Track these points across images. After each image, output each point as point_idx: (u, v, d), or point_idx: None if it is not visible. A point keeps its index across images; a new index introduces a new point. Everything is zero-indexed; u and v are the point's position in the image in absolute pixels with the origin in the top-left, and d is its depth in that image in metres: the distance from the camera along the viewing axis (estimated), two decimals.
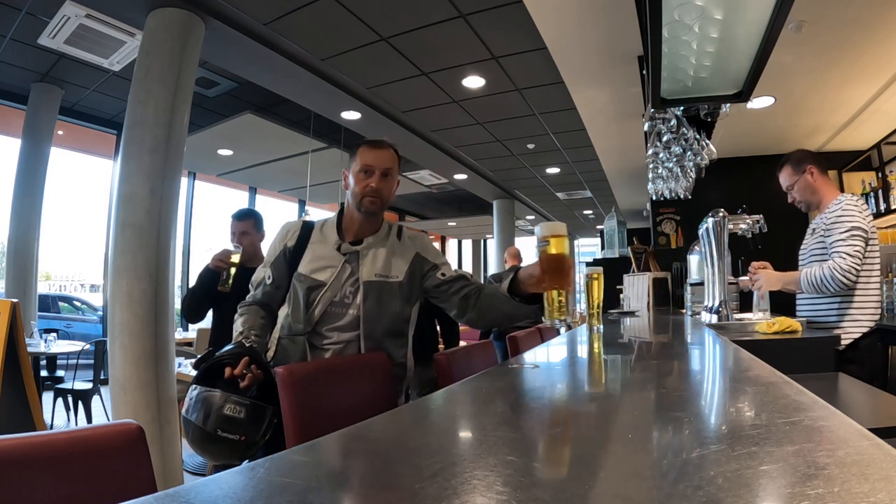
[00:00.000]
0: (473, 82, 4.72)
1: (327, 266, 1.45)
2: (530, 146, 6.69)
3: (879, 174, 4.41)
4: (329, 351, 1.44)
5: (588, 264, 5.20)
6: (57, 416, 4.48)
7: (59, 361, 5.09)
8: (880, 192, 4.35)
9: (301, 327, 1.44)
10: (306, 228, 1.52)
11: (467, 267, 17.46)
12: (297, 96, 4.99)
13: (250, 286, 1.59)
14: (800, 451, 0.51)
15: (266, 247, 1.69)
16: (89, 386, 4.36)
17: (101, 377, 4.46)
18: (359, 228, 1.51)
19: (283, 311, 1.52)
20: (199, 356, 1.42)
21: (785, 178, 2.25)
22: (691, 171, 3.23)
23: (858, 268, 1.91)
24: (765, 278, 2.19)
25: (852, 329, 1.98)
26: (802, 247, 2.27)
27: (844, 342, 1.94)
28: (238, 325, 1.49)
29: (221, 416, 1.21)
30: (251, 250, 2.52)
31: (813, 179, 2.15)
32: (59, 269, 9.70)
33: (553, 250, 1.23)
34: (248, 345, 1.37)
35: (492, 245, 12.09)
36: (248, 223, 2.60)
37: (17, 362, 2.48)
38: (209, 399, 1.23)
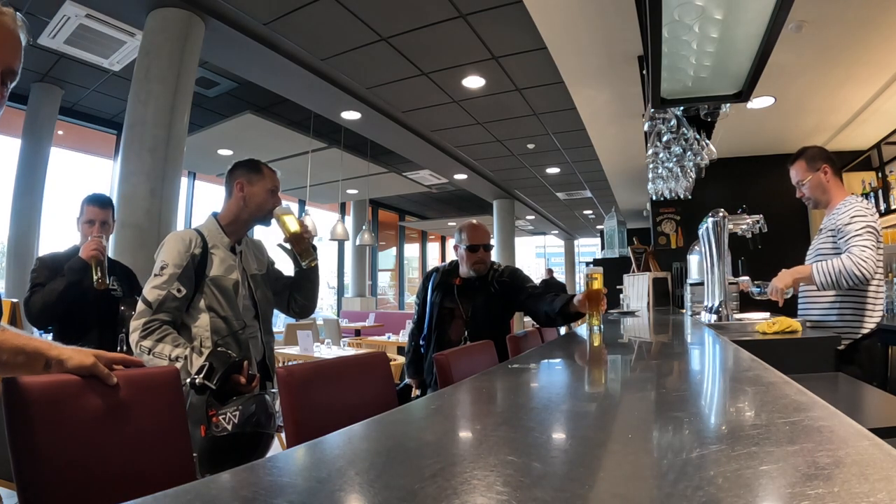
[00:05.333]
0: (473, 82, 4.72)
1: (232, 265, 1.65)
2: (530, 146, 6.69)
3: (879, 174, 4.40)
4: (256, 338, 1.67)
5: (588, 264, 5.24)
6: None
7: None
8: (880, 192, 4.34)
9: (238, 324, 1.62)
10: (202, 236, 1.62)
11: None
12: (297, 96, 4.99)
13: (146, 304, 1.49)
14: (800, 451, 0.51)
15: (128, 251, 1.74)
16: None
17: None
18: (240, 232, 1.73)
19: (203, 320, 1.56)
20: (197, 377, 1.35)
21: (797, 172, 2.16)
22: (691, 171, 3.23)
23: (876, 264, 1.86)
24: (777, 280, 2.06)
25: (854, 330, 1.96)
26: (810, 248, 2.24)
27: (845, 343, 1.93)
28: (175, 350, 1.44)
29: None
30: (105, 246, 2.10)
31: (826, 179, 2.09)
32: None
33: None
34: (232, 354, 1.47)
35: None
36: (109, 212, 2.19)
37: None
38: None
